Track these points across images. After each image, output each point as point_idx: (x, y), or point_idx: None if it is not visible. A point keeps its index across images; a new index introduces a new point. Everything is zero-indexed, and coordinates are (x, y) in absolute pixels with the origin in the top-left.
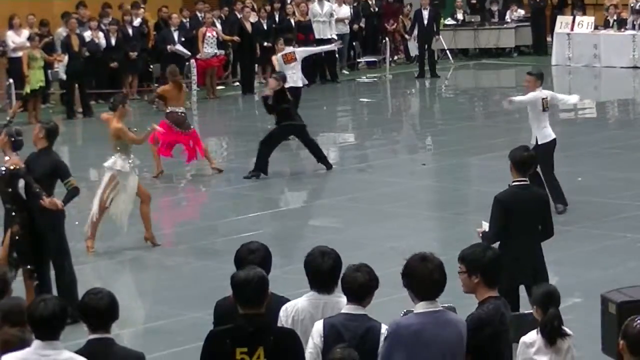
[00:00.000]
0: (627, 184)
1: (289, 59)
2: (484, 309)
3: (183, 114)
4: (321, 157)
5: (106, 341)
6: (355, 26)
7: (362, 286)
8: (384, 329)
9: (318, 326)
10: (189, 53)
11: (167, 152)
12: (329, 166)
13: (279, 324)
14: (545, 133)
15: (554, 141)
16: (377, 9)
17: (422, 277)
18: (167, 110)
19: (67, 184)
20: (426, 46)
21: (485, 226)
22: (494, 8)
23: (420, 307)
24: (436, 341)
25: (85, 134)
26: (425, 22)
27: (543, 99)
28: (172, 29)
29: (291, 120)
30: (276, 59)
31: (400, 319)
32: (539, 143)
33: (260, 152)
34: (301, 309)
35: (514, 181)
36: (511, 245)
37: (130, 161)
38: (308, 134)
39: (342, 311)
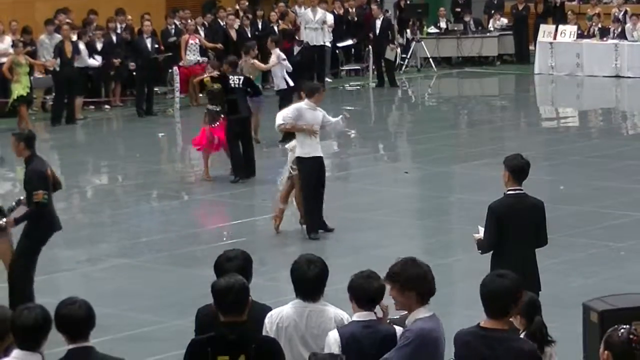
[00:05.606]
0: (609, 193)
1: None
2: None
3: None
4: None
5: (87, 350)
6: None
7: (377, 291)
8: (398, 331)
9: (335, 336)
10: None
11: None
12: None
13: (263, 331)
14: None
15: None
16: (356, 18)
17: (423, 279)
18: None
19: (34, 196)
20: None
21: (482, 231)
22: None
23: (426, 311)
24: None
25: (73, 141)
26: (377, 31)
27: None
28: (145, 36)
29: (238, 113)
30: (276, 56)
31: (423, 324)
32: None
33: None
34: (286, 316)
35: (509, 190)
36: (506, 255)
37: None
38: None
39: (353, 319)
